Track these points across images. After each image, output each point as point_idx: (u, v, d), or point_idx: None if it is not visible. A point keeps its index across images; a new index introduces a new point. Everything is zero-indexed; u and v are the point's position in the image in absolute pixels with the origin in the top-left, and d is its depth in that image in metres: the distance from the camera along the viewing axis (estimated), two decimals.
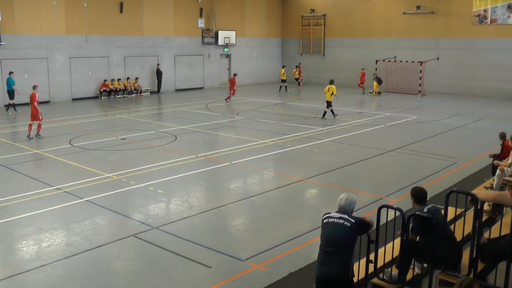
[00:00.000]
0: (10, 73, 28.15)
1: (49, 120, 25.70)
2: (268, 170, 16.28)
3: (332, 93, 25.30)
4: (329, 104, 25.58)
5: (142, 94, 36.59)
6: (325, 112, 25.65)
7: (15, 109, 27.81)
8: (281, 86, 38.73)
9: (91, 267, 9.42)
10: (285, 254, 9.80)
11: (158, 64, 37.81)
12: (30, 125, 20.96)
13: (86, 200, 13.06)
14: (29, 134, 20.76)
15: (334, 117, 25.68)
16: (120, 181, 14.78)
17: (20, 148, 19.12)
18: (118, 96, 35.00)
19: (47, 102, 32.14)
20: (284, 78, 38.36)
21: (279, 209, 12.54)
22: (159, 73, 37.38)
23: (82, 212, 12.28)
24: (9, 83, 27.62)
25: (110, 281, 8.89)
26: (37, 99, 21.11)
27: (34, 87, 21.83)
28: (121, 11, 35.28)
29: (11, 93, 27.60)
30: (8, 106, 27.67)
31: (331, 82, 26.07)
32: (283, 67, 40.32)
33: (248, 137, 20.78)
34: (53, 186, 14.23)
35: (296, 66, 42.70)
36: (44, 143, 19.87)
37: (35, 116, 20.81)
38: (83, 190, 13.91)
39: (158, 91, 37.80)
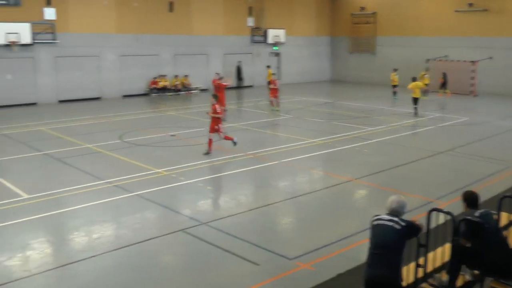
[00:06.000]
0: None
1: (99, 116, 26.26)
2: (316, 169, 16.17)
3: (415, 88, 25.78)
4: (415, 101, 25.76)
5: (191, 92, 36.93)
6: (415, 109, 25.97)
7: None
8: (394, 92, 33.66)
9: (139, 259, 9.55)
10: (333, 254, 9.67)
11: (239, 61, 38.55)
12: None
13: (136, 194, 13.24)
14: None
15: (415, 115, 25.68)
16: (170, 177, 14.92)
17: (73, 143, 19.55)
18: (169, 94, 35.43)
19: (97, 99, 32.92)
20: (396, 83, 33.60)
21: (327, 209, 12.43)
22: (239, 70, 37.58)
23: (131, 206, 12.48)
24: None
25: (157, 274, 8.99)
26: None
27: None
28: (170, 11, 35.67)
29: None
30: None
31: (414, 80, 26.64)
32: (395, 70, 34.70)
33: (296, 136, 20.68)
34: (103, 180, 14.49)
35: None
36: (95, 138, 20.26)
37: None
38: (133, 184, 14.11)
39: (239, 87, 38.46)
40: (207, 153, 17.32)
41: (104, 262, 9.46)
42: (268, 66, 38.99)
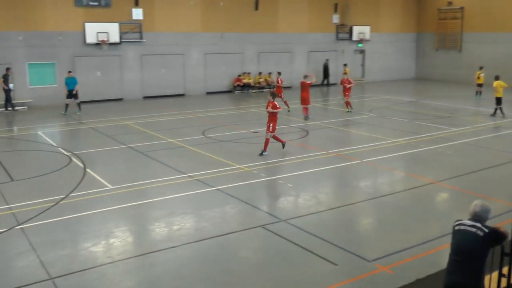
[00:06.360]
0: (69, 72, 26.99)
1: (183, 112, 26.74)
2: (398, 170, 15.66)
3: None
4: (499, 101, 24.53)
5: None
6: (497, 109, 24.72)
7: (65, 110, 26.05)
8: (477, 92, 31.80)
9: (218, 253, 9.55)
10: (413, 258, 9.29)
11: (326, 59, 38.33)
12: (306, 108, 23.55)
13: (217, 189, 13.29)
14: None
15: (502, 115, 24.53)
16: (251, 173, 14.90)
17: (156, 137, 19.96)
18: (253, 91, 35.66)
19: (181, 95, 33.62)
20: (482, 82, 31.43)
21: (408, 211, 11.96)
22: (326, 68, 37.45)
23: (212, 200, 12.53)
24: (69, 82, 26.17)
25: (236, 268, 8.96)
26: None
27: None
28: (256, 9, 35.86)
29: (70, 92, 26.11)
30: (79, 106, 26.64)
31: (497, 78, 25.00)
32: (481, 68, 32.26)
33: (379, 135, 20.17)
34: (185, 174, 14.66)
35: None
36: (179, 133, 20.61)
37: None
38: (214, 179, 14.18)
39: (326, 85, 38.40)
40: (283, 146, 17.21)
41: (183, 253, 9.54)
42: (345, 65, 38.31)
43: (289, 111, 25.60)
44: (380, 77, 43.61)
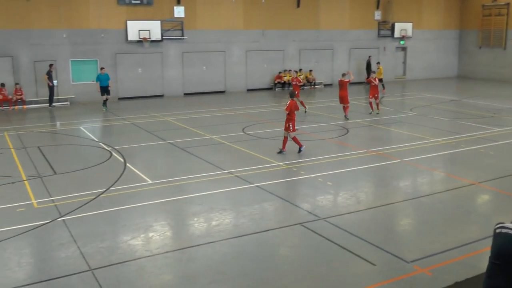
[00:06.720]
0: (102, 69, 27.40)
1: (224, 108, 26.80)
2: (439, 170, 15.31)
3: None
4: None
5: (316, 86, 36.77)
6: None
7: (104, 106, 26.84)
8: None
9: (257, 249, 9.53)
10: (452, 261, 9.06)
11: (369, 56, 38.04)
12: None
13: (256, 186, 13.26)
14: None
15: None
16: (290, 170, 14.83)
17: (197, 133, 20.05)
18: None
19: (222, 92, 33.73)
20: None
21: (448, 212, 11.66)
22: (368, 65, 37.15)
23: (251, 197, 12.51)
24: (102, 79, 26.63)
25: (274, 266, 8.90)
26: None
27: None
28: (297, 6, 35.74)
29: (103, 89, 26.60)
30: (105, 102, 27.06)
31: None
32: None
33: (420, 134, 19.80)
34: (225, 170, 14.67)
35: None
36: (219, 130, 20.65)
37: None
38: (253, 175, 14.16)
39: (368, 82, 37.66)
40: (299, 151, 16.71)
41: (221, 249, 9.53)
42: (378, 63, 37.49)
43: (305, 111, 25.03)
44: (421, 75, 42.90)
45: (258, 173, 14.48)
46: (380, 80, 34.02)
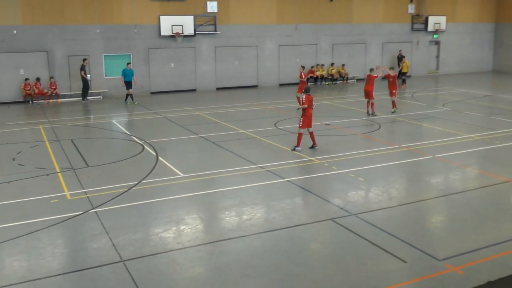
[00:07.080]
0: (128, 64, 27.84)
1: (256, 103, 26.81)
2: (472, 167, 15.04)
3: None
4: None
5: (348, 81, 36.54)
6: None
7: (132, 100, 27.52)
8: None
9: (288, 244, 9.49)
10: (485, 260, 8.89)
11: (400, 50, 37.68)
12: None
13: (287, 180, 13.24)
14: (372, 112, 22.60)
15: None
16: (322, 166, 14.75)
17: (228, 128, 20.10)
18: (326, 83, 35.44)
19: (254, 87, 33.79)
20: None
21: (481, 210, 11.44)
22: (399, 59, 36.78)
23: (282, 191, 12.49)
24: (127, 73, 27.20)
25: (305, 260, 8.87)
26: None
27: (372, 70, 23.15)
28: (330, 0, 35.50)
29: (128, 84, 27.22)
30: (127, 96, 27.63)
31: None
32: None
33: (453, 130, 19.50)
34: (256, 164, 14.68)
35: None
36: (251, 124, 20.68)
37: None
38: (285, 170, 14.14)
39: (401, 78, 36.41)
40: (312, 146, 16.56)
41: (252, 243, 9.54)
42: (403, 56, 36.91)
43: (297, 109, 24.55)
44: (455, 69, 42.25)
45: (289, 167, 14.46)
46: (404, 74, 33.58)
